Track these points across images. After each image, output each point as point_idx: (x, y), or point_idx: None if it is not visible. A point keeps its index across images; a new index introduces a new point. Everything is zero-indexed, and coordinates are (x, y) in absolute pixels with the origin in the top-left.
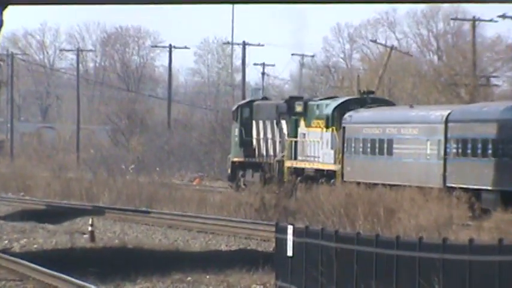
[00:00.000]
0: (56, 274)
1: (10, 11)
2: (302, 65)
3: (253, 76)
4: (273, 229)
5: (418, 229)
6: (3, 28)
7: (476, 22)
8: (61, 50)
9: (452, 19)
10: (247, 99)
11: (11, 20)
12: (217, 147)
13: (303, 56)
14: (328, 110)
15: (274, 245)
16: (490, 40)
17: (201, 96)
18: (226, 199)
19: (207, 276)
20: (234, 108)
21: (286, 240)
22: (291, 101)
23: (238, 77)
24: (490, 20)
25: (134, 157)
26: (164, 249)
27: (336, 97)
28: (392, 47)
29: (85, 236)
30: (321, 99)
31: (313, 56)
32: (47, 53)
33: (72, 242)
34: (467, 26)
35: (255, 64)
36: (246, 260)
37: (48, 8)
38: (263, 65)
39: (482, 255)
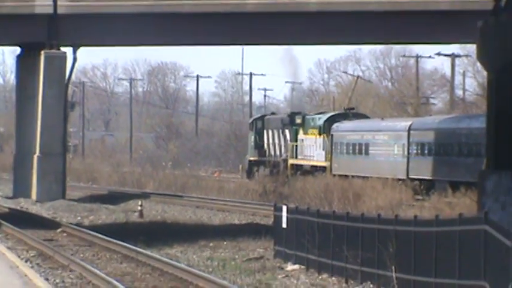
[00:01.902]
0: (115, 241)
1: (81, 51)
2: (293, 89)
3: (257, 97)
4: (272, 208)
5: (377, 208)
6: (76, 63)
7: (419, 58)
8: (118, 79)
9: (401, 56)
10: (260, 114)
11: (82, 57)
12: (232, 149)
13: (293, 83)
14: (321, 122)
15: (273, 219)
16: (429, 71)
17: (220, 112)
18: (238, 187)
19: (224, 243)
20: (250, 121)
21: (281, 216)
22: (292, 115)
23: (246, 98)
24: (429, 57)
25: (171, 156)
26: (193, 223)
27: (326, 112)
28: (358, 77)
29: (136, 213)
30: (315, 114)
31: (301, 83)
32: (108, 81)
33: (127, 218)
34: (412, 61)
35: (258, 89)
36: (252, 230)
37: (109, 49)
38: (265, 89)
39: (424, 227)
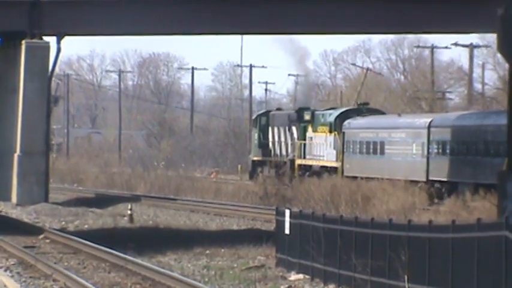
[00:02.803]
0: (102, 248)
1: (66, 41)
2: (297, 83)
3: (258, 92)
4: (274, 212)
5: (389, 212)
6: (60, 54)
7: (434, 49)
8: (106, 71)
9: (415, 46)
10: (265, 110)
11: (67, 47)
12: (229, 148)
13: (297, 76)
14: (331, 118)
15: (274, 225)
16: (445, 63)
17: (217, 107)
18: (237, 189)
19: (222, 250)
20: (254, 117)
21: (284, 221)
22: (300, 111)
23: (246, 93)
24: (445, 47)
25: (164, 156)
26: (188, 228)
27: (337, 108)
28: (367, 69)
29: (125, 218)
30: (325, 110)
31: (305, 76)
32: (95, 73)
33: (115, 223)
34: (427, 52)
35: (259, 82)
36: (252, 237)
37: (96, 38)
38: (266, 83)
39: (439, 233)
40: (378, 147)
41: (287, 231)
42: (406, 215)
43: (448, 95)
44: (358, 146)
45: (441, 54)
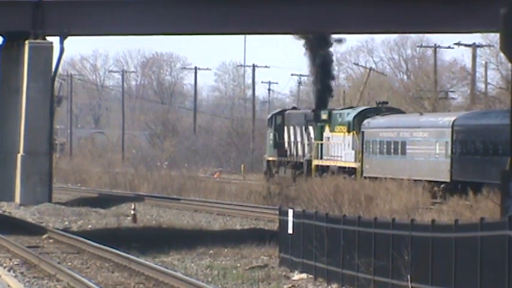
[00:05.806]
0: (106, 248)
1: (69, 41)
2: (299, 82)
3: (261, 92)
4: (277, 212)
5: (392, 212)
6: (63, 54)
7: (437, 48)
8: (109, 72)
9: (418, 46)
10: (280, 109)
11: (70, 47)
12: (233, 148)
13: (300, 75)
14: (350, 118)
15: (278, 224)
16: (448, 63)
17: (220, 107)
18: (240, 188)
19: (225, 250)
20: (268, 116)
21: (287, 221)
22: (317, 110)
23: (249, 93)
24: (448, 47)
25: (167, 156)
26: (191, 228)
27: (355, 107)
28: (370, 69)
29: (128, 218)
30: (342, 109)
31: (308, 76)
32: (98, 73)
33: (119, 222)
34: (430, 51)
35: (262, 82)
36: (255, 236)
37: (99, 38)
38: (269, 83)
39: (442, 232)
40: (399, 147)
41: (290, 231)
42: (409, 215)
43: (451, 95)
44: (378, 146)
45: (444, 54)
